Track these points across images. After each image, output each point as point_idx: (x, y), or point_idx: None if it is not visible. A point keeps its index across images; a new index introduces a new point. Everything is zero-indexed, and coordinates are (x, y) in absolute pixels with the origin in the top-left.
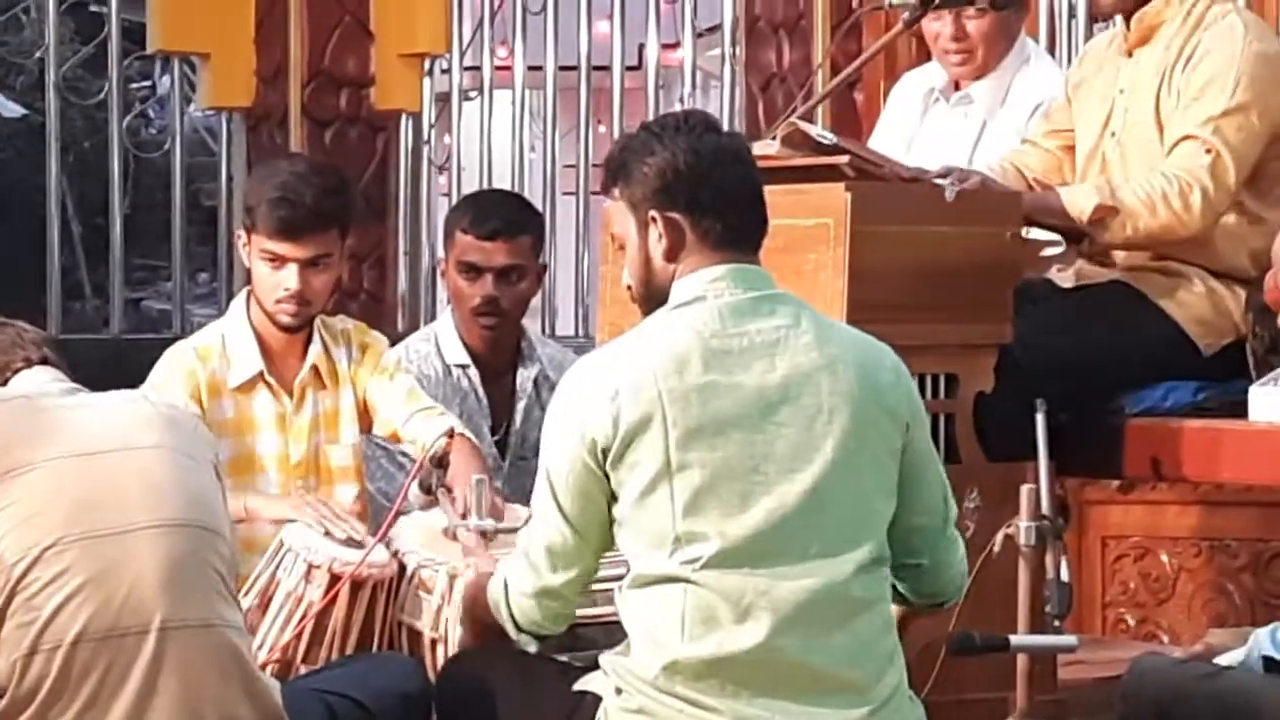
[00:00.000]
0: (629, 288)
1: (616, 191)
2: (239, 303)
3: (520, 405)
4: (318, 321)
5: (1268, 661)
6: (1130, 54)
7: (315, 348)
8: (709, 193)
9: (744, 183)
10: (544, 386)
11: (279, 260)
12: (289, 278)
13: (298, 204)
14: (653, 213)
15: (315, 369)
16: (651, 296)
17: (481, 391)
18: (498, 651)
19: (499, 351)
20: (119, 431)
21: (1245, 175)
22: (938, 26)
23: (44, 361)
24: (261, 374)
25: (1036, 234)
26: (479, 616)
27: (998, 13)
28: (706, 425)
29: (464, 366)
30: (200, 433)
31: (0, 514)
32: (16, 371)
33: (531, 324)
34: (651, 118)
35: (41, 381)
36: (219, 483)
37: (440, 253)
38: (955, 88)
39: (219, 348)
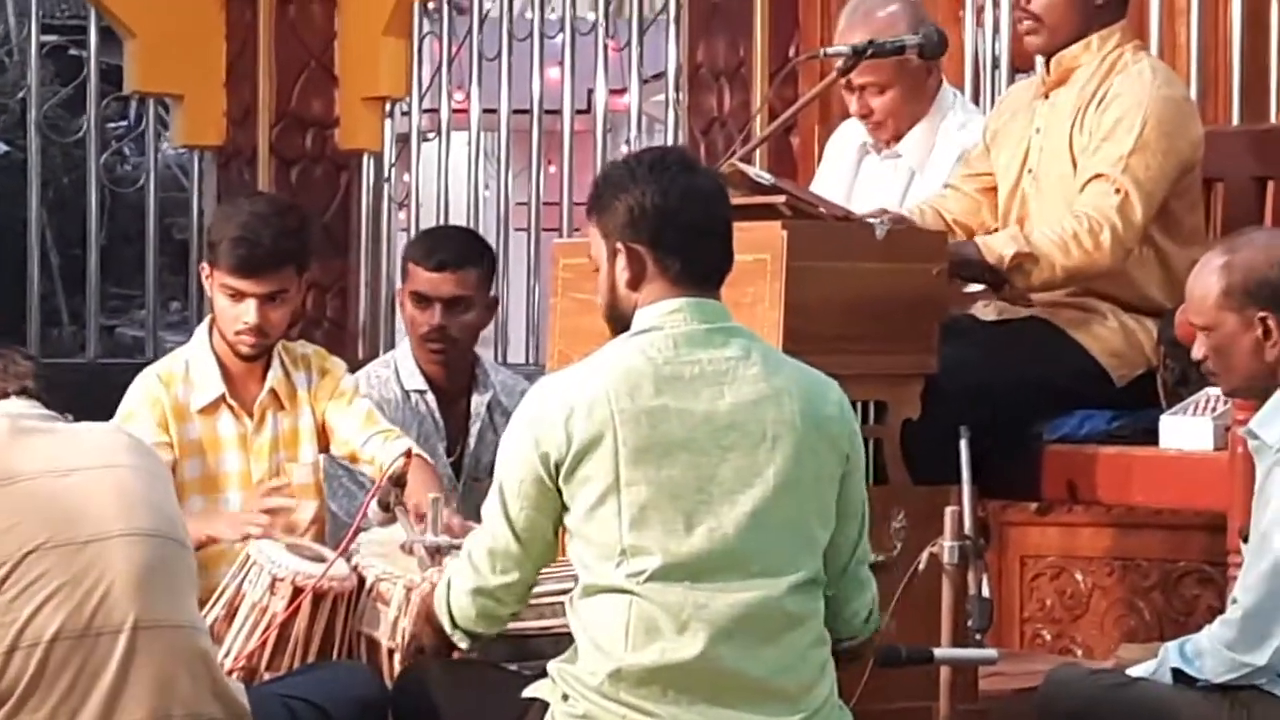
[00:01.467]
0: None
1: (593, 218)
2: (202, 330)
3: (474, 429)
4: (278, 346)
5: (1176, 673)
6: (1047, 96)
7: (274, 372)
8: (672, 232)
9: (709, 224)
10: (496, 411)
11: (239, 295)
12: (248, 312)
13: (256, 244)
14: (619, 244)
15: (274, 392)
16: (616, 318)
17: (438, 415)
18: (450, 661)
19: (454, 377)
20: (95, 451)
21: (1153, 212)
22: (851, 100)
23: (23, 393)
24: (223, 397)
25: None
26: (432, 625)
27: (899, 88)
28: (655, 446)
29: (421, 392)
30: (163, 464)
31: None
32: None
33: (485, 352)
34: (601, 160)
35: (20, 408)
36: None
37: (399, 284)
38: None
39: (182, 373)
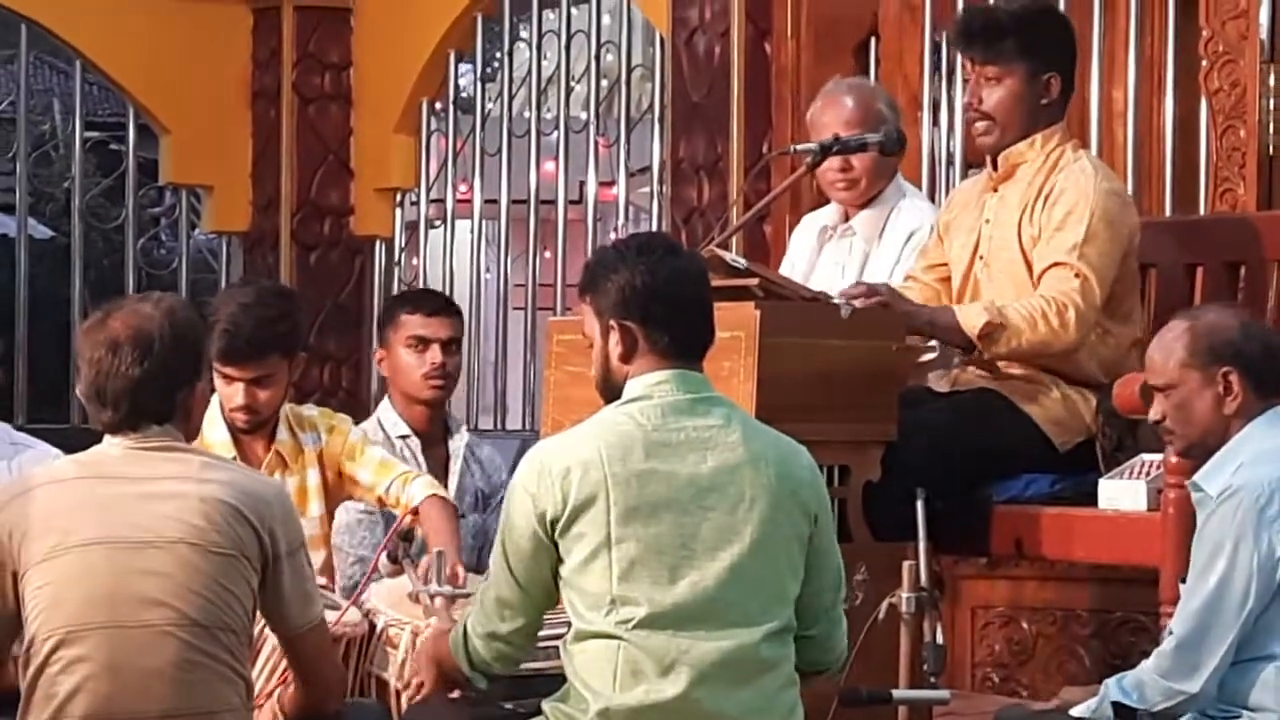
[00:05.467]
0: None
1: (586, 298)
2: (216, 397)
3: (455, 468)
4: (286, 410)
5: (1117, 707)
6: (996, 190)
7: (281, 434)
8: (660, 309)
9: (693, 301)
10: (471, 459)
11: (228, 378)
12: (236, 394)
13: (236, 335)
14: (612, 321)
15: (279, 454)
16: (609, 389)
17: (421, 458)
18: (452, 699)
19: (434, 422)
20: (166, 521)
21: (1106, 293)
22: (828, 161)
23: (121, 428)
24: (234, 458)
25: (913, 340)
26: (440, 666)
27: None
28: (644, 506)
29: (405, 437)
30: (254, 521)
31: (39, 592)
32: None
33: (484, 419)
34: (591, 245)
35: (111, 452)
36: (253, 567)
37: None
38: (845, 218)
39: (197, 437)
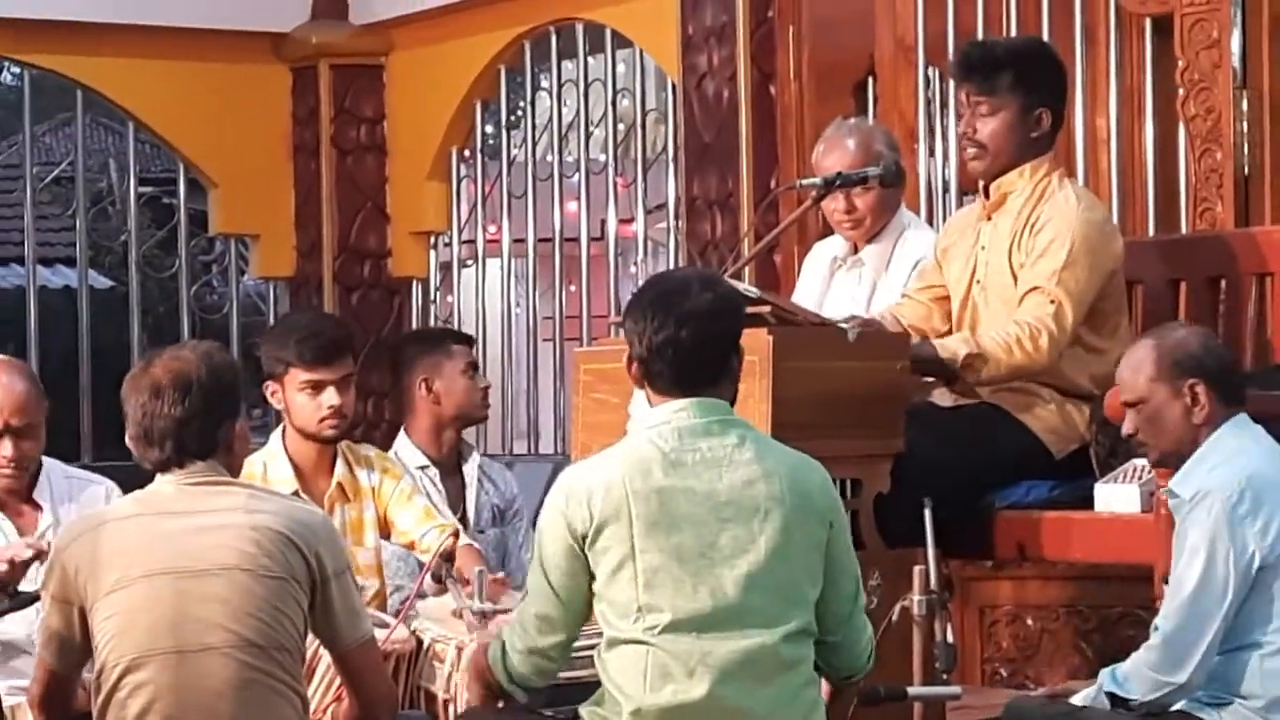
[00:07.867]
0: None
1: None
2: (276, 435)
3: (471, 492)
4: (343, 447)
5: (1111, 697)
6: (989, 218)
7: (340, 468)
8: (654, 360)
9: (695, 345)
10: (485, 480)
11: (318, 386)
12: (330, 397)
13: (323, 336)
14: (628, 357)
15: (340, 485)
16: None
17: (440, 485)
18: (498, 709)
19: (449, 452)
20: (219, 550)
21: (1082, 317)
22: (833, 204)
23: (168, 463)
24: (296, 491)
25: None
26: (483, 680)
27: (881, 189)
28: (664, 520)
29: (424, 467)
30: (301, 547)
31: (107, 622)
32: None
33: (519, 444)
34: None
35: (166, 488)
36: (303, 590)
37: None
38: (854, 250)
39: (261, 473)
